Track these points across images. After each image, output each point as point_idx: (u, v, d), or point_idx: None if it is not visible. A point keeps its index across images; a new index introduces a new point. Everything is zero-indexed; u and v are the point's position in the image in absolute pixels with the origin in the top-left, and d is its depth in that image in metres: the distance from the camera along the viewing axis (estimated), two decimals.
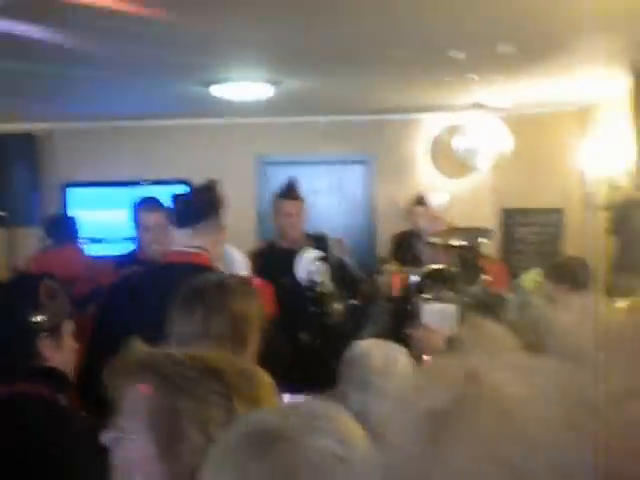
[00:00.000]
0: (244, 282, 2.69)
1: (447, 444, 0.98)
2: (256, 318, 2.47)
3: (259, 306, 2.51)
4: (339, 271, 4.80)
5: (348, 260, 4.92)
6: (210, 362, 1.58)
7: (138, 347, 1.66)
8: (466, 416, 1.02)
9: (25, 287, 2.68)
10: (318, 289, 4.55)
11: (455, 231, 4.09)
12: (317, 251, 4.70)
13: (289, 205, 5.03)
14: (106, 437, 1.59)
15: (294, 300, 4.54)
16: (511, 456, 0.96)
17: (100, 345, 2.83)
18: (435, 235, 4.05)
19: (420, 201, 7.95)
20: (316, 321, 4.59)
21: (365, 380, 2.89)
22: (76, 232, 6.27)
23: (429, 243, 4.06)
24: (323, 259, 4.65)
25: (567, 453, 1.00)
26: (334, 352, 3.79)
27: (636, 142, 6.00)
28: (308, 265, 4.61)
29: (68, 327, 2.67)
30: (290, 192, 5.08)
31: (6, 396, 2.46)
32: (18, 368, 2.52)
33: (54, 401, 2.50)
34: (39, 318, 2.56)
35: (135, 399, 1.57)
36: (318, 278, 4.58)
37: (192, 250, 3.24)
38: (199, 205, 3.27)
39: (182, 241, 3.26)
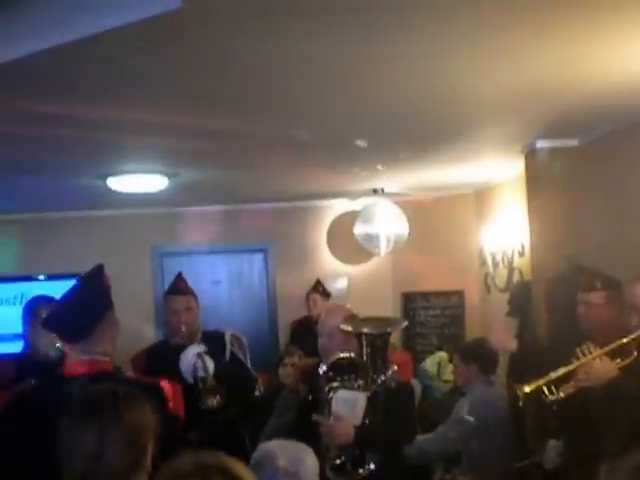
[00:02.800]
0: (137, 388, 2.49)
1: None
2: (152, 427, 2.30)
3: (153, 414, 2.33)
4: (234, 368, 4.64)
5: (244, 357, 4.76)
6: None
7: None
8: None
9: None
10: (199, 385, 4.38)
11: (366, 320, 4.02)
12: (200, 346, 4.53)
13: (177, 301, 4.81)
14: None
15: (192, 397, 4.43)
16: None
17: None
18: (346, 323, 3.97)
19: (316, 288, 7.92)
20: (205, 420, 4.44)
21: None
22: None
23: (341, 331, 3.98)
24: (206, 353, 4.50)
25: None
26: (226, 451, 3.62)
27: (529, 223, 6.10)
28: (191, 361, 4.46)
29: None
30: (177, 287, 4.88)
31: None
32: None
33: None
34: None
35: None
36: (201, 373, 4.42)
37: (95, 357, 3.02)
38: (83, 314, 3.04)
39: (79, 351, 3.04)
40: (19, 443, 2.83)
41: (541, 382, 4.04)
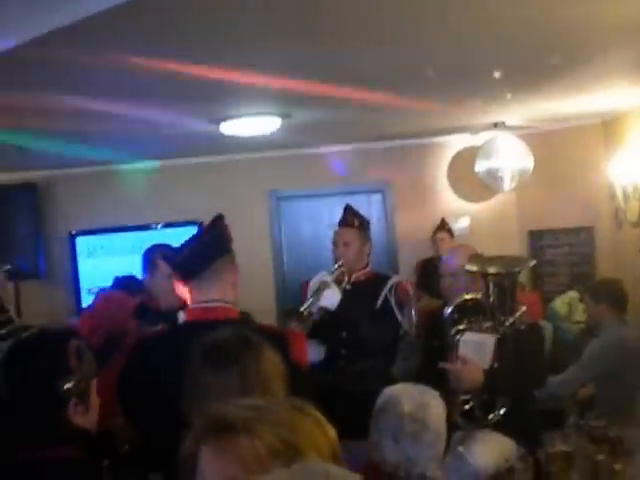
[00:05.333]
0: (261, 335, 2.41)
1: None
2: (282, 375, 2.25)
3: (280, 359, 2.28)
4: (380, 316, 4.49)
5: (402, 308, 4.57)
6: None
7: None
8: None
9: (53, 349, 2.45)
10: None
11: (492, 259, 3.84)
12: (327, 276, 4.47)
13: (339, 233, 4.72)
14: None
15: (332, 341, 4.51)
16: None
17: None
18: (471, 263, 3.79)
19: (443, 227, 7.74)
20: (342, 366, 4.36)
21: (398, 428, 2.68)
22: None
23: (466, 271, 3.81)
24: (332, 282, 4.44)
25: None
26: (360, 396, 3.52)
27: None
28: (313, 286, 4.43)
29: (94, 386, 2.47)
30: (341, 219, 4.77)
31: (34, 462, 2.28)
32: (46, 435, 2.34)
33: (84, 465, 2.36)
34: (69, 385, 2.37)
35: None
36: (309, 300, 4.39)
37: (216, 305, 2.94)
38: (198, 253, 2.98)
39: (199, 296, 2.95)
40: (146, 390, 2.79)
41: None
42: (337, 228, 4.75)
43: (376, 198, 8.34)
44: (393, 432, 2.73)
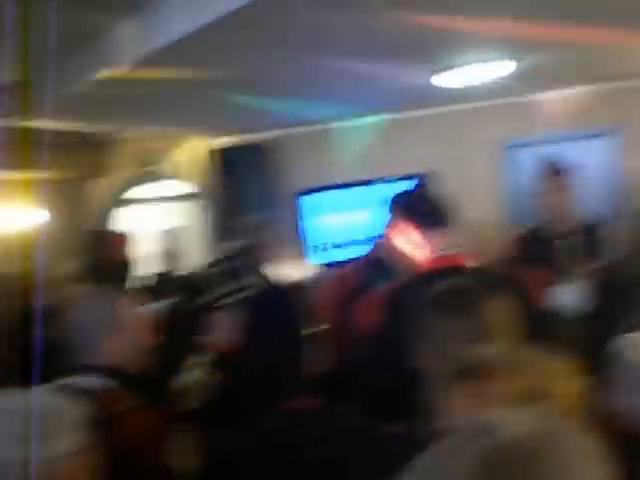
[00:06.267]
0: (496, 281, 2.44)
1: None
2: (510, 320, 2.28)
3: (508, 307, 2.29)
4: (603, 286, 4.32)
5: (617, 263, 4.37)
6: None
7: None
8: None
9: (296, 299, 2.60)
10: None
11: None
12: (575, 287, 4.27)
13: (547, 182, 4.58)
14: None
15: None
16: None
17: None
18: None
19: None
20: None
21: (630, 377, 2.60)
22: None
23: None
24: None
25: None
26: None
27: None
28: (565, 295, 4.24)
29: None
30: (547, 168, 4.62)
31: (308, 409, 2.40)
32: (300, 382, 2.47)
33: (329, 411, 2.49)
34: (313, 330, 2.54)
35: None
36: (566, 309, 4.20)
37: (459, 252, 2.98)
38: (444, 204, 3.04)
39: (445, 244, 2.99)
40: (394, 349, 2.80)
41: None
42: (543, 177, 4.59)
43: (604, 143, 7.96)
44: (625, 381, 2.67)
